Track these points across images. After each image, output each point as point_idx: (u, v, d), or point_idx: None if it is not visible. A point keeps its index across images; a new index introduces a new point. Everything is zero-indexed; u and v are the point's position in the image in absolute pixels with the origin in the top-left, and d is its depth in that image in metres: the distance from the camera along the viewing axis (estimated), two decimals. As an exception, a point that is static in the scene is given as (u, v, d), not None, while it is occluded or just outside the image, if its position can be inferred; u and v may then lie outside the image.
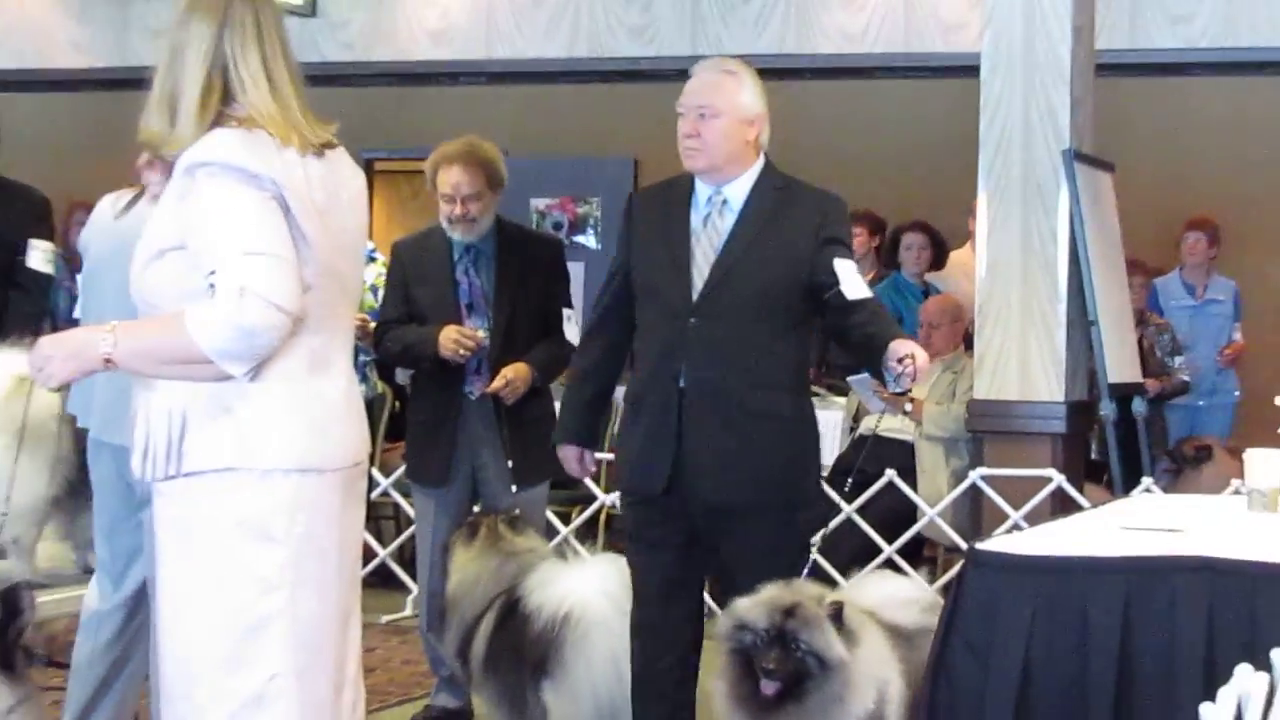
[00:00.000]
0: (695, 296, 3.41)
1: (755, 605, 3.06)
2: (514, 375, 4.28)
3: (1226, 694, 2.03)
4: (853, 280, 3.40)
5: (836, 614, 3.05)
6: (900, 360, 3.15)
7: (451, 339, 4.40)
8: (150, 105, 2.46)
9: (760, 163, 3.53)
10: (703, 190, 3.49)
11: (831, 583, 4.87)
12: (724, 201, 3.48)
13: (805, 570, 3.42)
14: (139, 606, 3.57)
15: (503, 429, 4.38)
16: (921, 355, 3.20)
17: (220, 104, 2.37)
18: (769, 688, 2.99)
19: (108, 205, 3.70)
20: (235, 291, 2.16)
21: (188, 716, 2.44)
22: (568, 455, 3.66)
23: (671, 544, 3.49)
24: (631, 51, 8.83)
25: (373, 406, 6.27)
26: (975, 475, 5.88)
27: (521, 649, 4.25)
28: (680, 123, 3.44)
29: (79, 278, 4.32)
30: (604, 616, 4.17)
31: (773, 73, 7.44)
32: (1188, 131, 8.53)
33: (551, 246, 5.03)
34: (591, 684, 4.26)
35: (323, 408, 2.35)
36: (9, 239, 5.39)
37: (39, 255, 5.44)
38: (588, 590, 4.23)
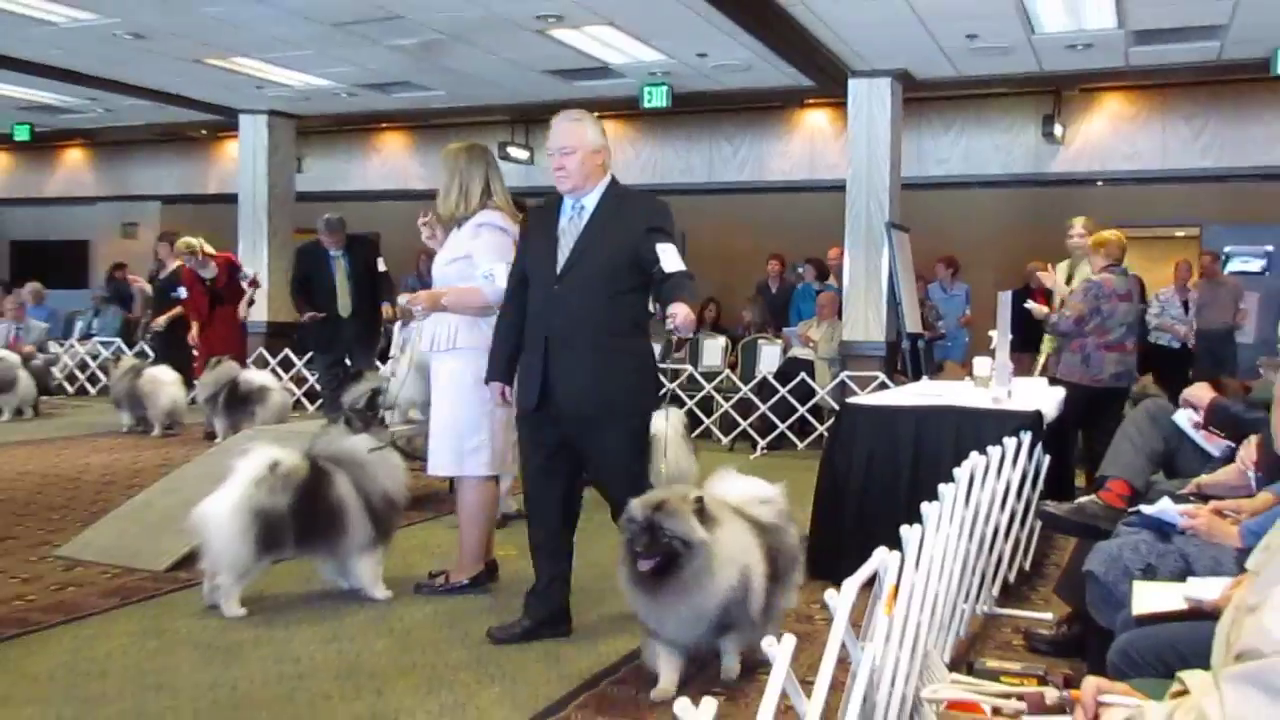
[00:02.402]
0: (558, 271, 4.02)
1: (636, 503, 3.43)
2: None
3: (945, 489, 3.10)
4: (669, 258, 3.89)
5: (699, 507, 3.36)
6: (668, 315, 3.71)
7: None
8: (447, 197, 4.75)
9: (607, 179, 4.16)
10: (568, 202, 4.13)
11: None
12: (582, 208, 4.10)
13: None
14: None
15: None
16: (683, 312, 3.69)
17: (485, 197, 4.75)
18: (644, 565, 3.34)
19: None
20: (492, 279, 4.50)
21: (449, 454, 4.74)
22: (495, 389, 4.32)
23: (545, 445, 4.11)
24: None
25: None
26: (844, 374, 10.01)
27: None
28: (552, 160, 4.10)
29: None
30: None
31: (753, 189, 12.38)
32: (946, 215, 12.91)
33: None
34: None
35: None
36: (370, 259, 9.23)
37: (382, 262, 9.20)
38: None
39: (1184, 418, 4.20)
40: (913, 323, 10.39)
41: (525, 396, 4.10)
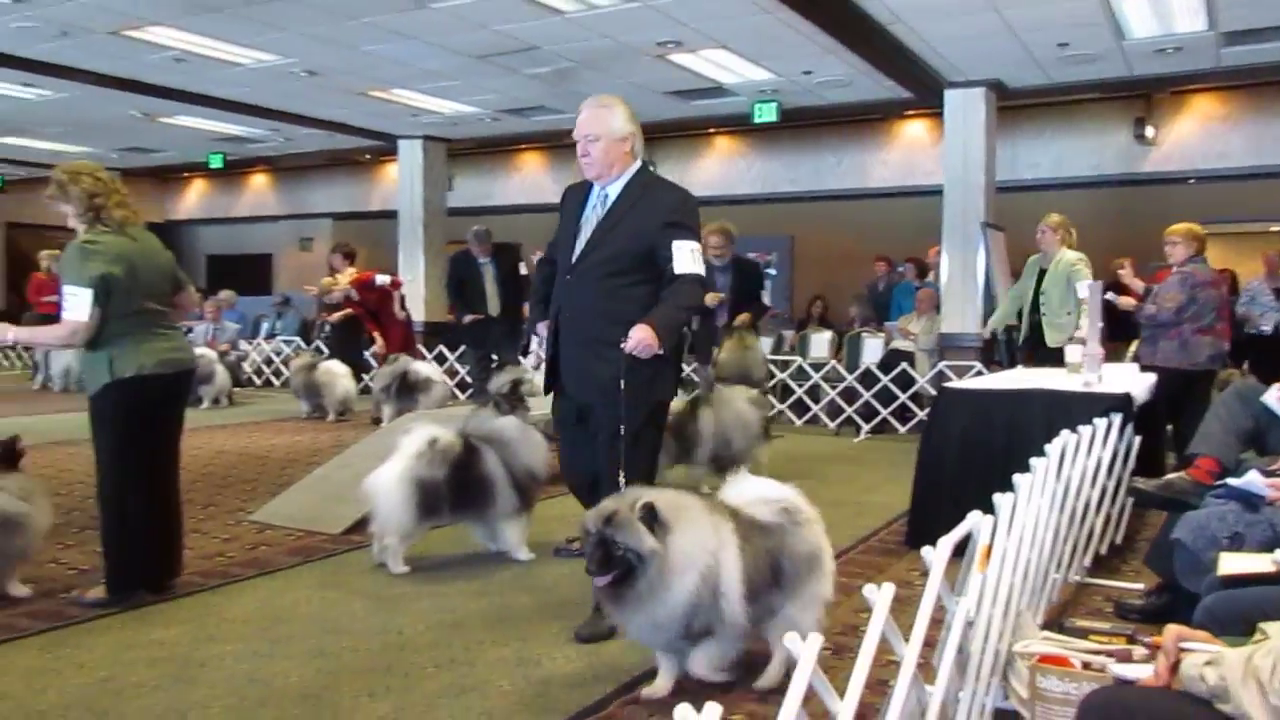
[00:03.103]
0: (573, 260, 3.69)
1: (589, 515, 3.02)
2: None
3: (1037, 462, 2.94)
4: (682, 259, 3.52)
5: (647, 514, 2.93)
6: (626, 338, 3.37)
7: None
8: None
9: (635, 166, 3.71)
10: (595, 190, 3.73)
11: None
12: (606, 197, 3.69)
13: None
14: None
15: None
16: (635, 338, 3.36)
17: None
18: (599, 582, 2.95)
19: None
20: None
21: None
22: (540, 329, 3.93)
23: (569, 420, 3.83)
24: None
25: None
26: (942, 364, 9.77)
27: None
28: (577, 147, 3.67)
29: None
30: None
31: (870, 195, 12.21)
32: (1039, 216, 11.99)
33: None
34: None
35: None
36: (513, 265, 9.45)
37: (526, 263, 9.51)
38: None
39: (1274, 397, 4.01)
40: (1004, 318, 10.05)
41: (545, 378, 3.88)
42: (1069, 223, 7.59)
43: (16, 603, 4.09)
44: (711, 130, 14.01)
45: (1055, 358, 7.05)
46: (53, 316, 12.82)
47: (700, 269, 3.59)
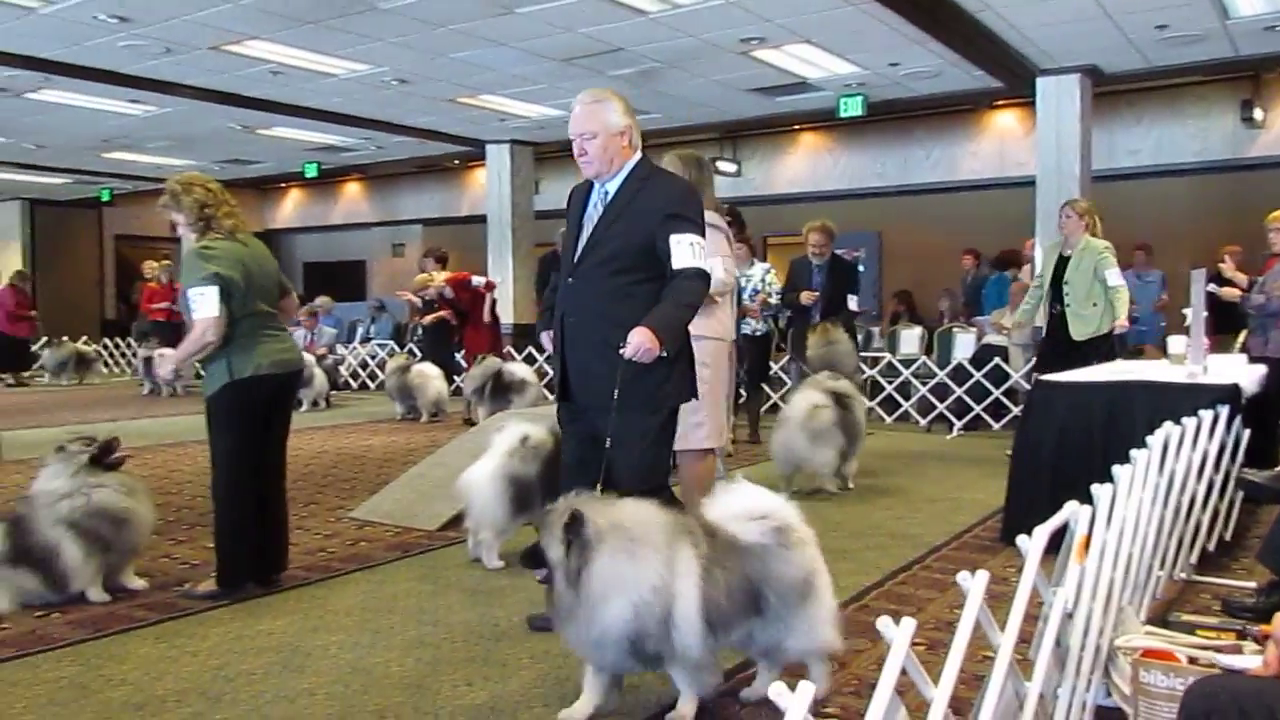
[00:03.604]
0: (575, 261, 3.51)
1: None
2: None
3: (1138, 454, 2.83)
4: (681, 254, 3.33)
5: (569, 524, 2.72)
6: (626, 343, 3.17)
7: None
8: None
9: (635, 159, 3.51)
10: (597, 187, 3.55)
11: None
12: (606, 193, 3.51)
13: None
14: None
15: None
16: (633, 342, 3.16)
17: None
18: (537, 575, 2.81)
19: None
20: (710, 270, 3.87)
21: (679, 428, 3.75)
22: (545, 338, 3.84)
23: (577, 433, 3.56)
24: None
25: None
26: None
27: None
28: (574, 146, 3.47)
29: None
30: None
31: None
32: (1139, 204, 11.79)
33: None
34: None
35: None
36: None
37: None
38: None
39: (1389, 387, 3.84)
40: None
41: (554, 386, 3.68)
42: (1096, 209, 7.40)
43: (133, 595, 4.29)
44: (796, 126, 13.93)
45: (1079, 353, 6.86)
46: (162, 324, 13.34)
47: (702, 263, 3.38)
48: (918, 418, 10.09)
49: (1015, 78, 10.28)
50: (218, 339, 4.09)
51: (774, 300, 8.41)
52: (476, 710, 3.07)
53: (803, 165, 14.31)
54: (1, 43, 9.37)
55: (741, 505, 2.90)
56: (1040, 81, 10.28)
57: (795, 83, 10.99)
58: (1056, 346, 7.23)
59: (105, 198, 19.44)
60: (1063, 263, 7.18)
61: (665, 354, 3.28)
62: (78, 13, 8.50)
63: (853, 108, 11.33)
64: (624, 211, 3.45)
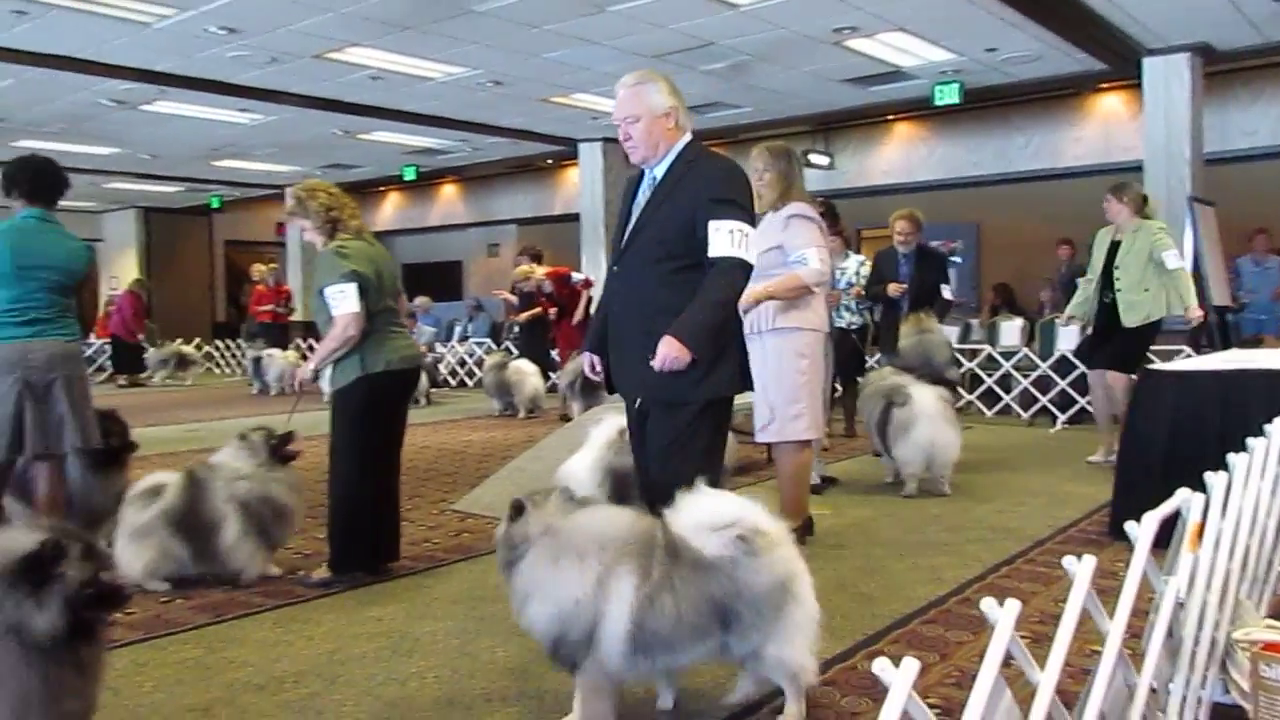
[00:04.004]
0: (620, 251, 3.43)
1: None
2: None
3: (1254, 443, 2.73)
4: (719, 241, 3.19)
5: (511, 514, 2.78)
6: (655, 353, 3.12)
7: None
8: (765, 192, 4.57)
9: (683, 141, 3.40)
10: (646, 173, 3.45)
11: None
12: (654, 178, 3.41)
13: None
14: None
15: None
16: (660, 354, 3.11)
17: (794, 190, 4.69)
18: None
19: None
20: (804, 262, 4.49)
21: (773, 423, 4.66)
22: (586, 360, 3.67)
23: (635, 420, 3.46)
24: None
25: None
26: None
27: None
28: (619, 132, 3.41)
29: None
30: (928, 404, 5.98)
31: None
32: (1256, 188, 11.09)
33: None
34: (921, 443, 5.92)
35: None
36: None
37: None
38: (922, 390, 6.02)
39: None
40: (1219, 295, 9.50)
41: (605, 376, 3.61)
42: (1141, 191, 7.12)
43: (252, 582, 4.48)
44: (890, 117, 13.71)
45: (1130, 343, 6.61)
46: (269, 325, 13.81)
47: (742, 253, 3.21)
48: (1019, 411, 9.87)
49: (1120, 59, 9.96)
50: (359, 334, 4.23)
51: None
52: (580, 695, 3.14)
53: (897, 156, 14.08)
54: (120, 57, 9.83)
55: (705, 514, 2.73)
56: (1147, 62, 9.94)
57: (889, 71, 10.84)
58: (1103, 335, 6.97)
59: (215, 205, 20.23)
60: (1114, 250, 6.91)
61: (695, 358, 3.16)
62: (189, 26, 8.87)
63: (948, 95, 11.13)
64: (669, 195, 3.34)
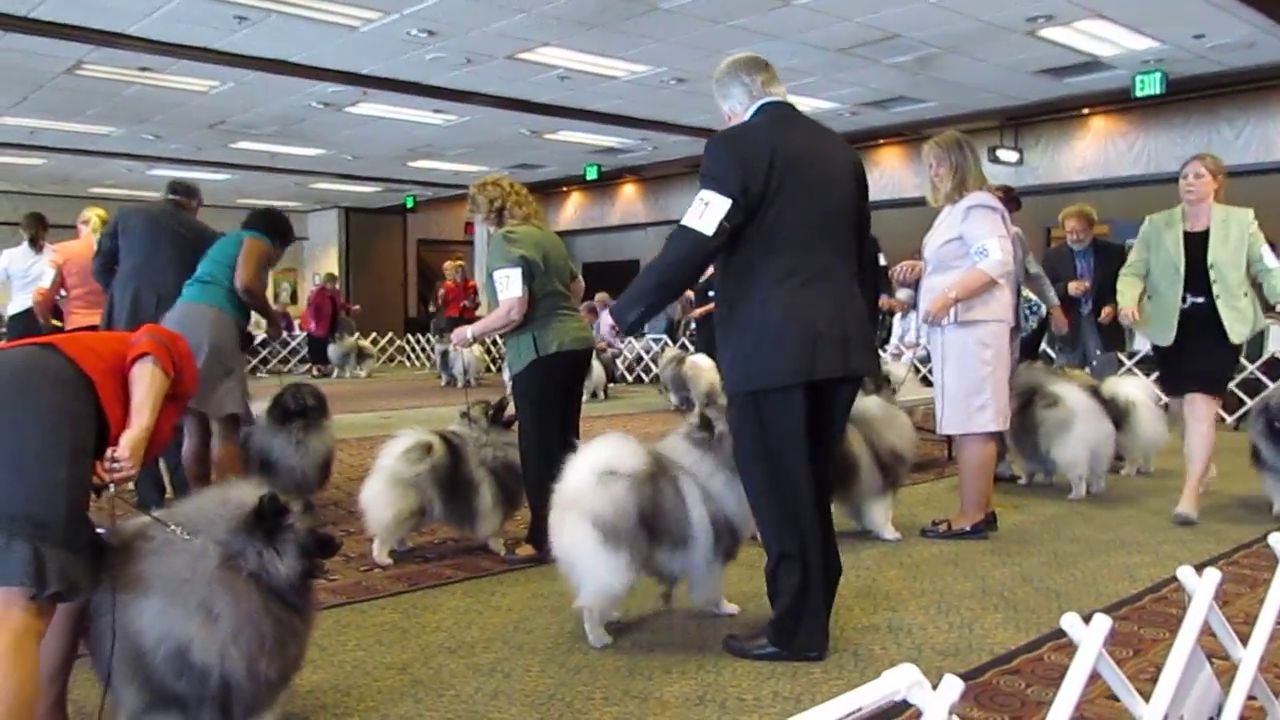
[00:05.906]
0: None
1: None
2: None
3: None
4: (690, 209, 3.18)
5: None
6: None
7: None
8: (942, 184, 4.69)
9: (745, 116, 3.41)
10: None
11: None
12: None
13: None
14: None
15: None
16: (603, 325, 3.34)
17: (974, 181, 4.69)
18: None
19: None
20: (985, 254, 4.48)
21: (958, 415, 4.67)
22: None
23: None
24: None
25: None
26: None
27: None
28: None
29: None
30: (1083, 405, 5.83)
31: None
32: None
33: None
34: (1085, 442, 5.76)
35: None
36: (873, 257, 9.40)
37: None
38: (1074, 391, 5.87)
39: None
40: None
41: None
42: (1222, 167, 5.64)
43: (443, 555, 4.74)
44: (1086, 110, 13.08)
45: (1228, 361, 5.37)
46: (456, 319, 14.45)
47: (695, 221, 3.12)
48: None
49: (1348, 42, 9.22)
50: (520, 318, 4.43)
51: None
52: (769, 669, 3.20)
53: (1092, 151, 13.43)
54: (329, 60, 10.50)
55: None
56: (1377, 45, 9.16)
57: (1086, 62, 10.39)
58: (1185, 350, 5.24)
59: (410, 204, 21.30)
60: (1194, 241, 5.32)
61: (618, 328, 3.22)
62: (392, 29, 9.40)
63: (1150, 86, 10.57)
64: None
